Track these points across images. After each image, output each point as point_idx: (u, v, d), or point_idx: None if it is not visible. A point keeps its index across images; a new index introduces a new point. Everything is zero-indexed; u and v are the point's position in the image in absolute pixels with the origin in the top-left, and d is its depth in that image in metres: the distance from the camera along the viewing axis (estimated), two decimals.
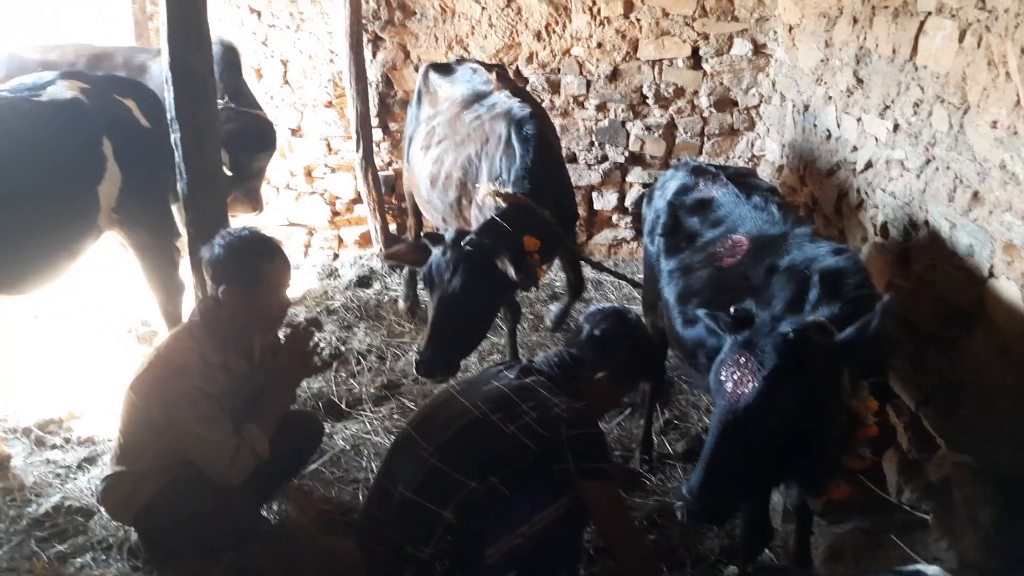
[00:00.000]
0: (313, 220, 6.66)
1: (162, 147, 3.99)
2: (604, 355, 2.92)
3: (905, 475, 3.40)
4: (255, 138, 5.12)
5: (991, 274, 2.91)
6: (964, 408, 3.09)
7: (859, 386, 2.43)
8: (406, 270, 5.83)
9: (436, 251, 3.81)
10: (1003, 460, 2.86)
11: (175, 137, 3.33)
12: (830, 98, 4.60)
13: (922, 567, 1.53)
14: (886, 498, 3.45)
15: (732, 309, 2.49)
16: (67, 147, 3.73)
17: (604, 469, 2.72)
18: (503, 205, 4.03)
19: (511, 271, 3.64)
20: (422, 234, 4.19)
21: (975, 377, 3.03)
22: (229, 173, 5.01)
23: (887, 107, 3.75)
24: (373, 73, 6.20)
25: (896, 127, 3.67)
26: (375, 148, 6.29)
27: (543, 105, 5.83)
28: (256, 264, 3.13)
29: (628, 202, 6.50)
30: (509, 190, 4.08)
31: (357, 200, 6.57)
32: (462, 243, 3.73)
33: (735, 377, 2.30)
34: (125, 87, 4.14)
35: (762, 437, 2.27)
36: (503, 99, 4.61)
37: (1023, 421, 2.77)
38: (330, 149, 6.52)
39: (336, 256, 6.69)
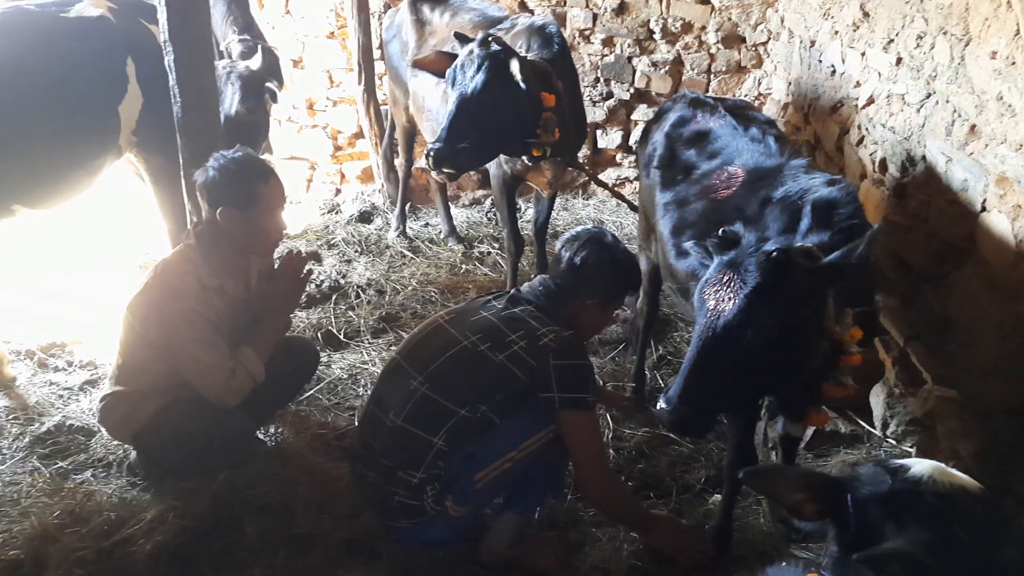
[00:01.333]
0: (315, 154, 6.64)
1: None
2: (588, 282, 2.92)
3: (891, 409, 3.44)
4: (278, 74, 5.11)
5: (983, 208, 2.90)
6: (951, 343, 3.11)
7: (843, 314, 2.45)
8: (399, 204, 5.85)
9: (463, 50, 3.90)
10: (986, 394, 2.89)
11: (168, 59, 3.31)
12: (836, 33, 4.53)
13: (912, 461, 1.54)
14: (871, 431, 3.51)
15: (720, 231, 2.50)
16: (91, 63, 3.76)
17: (586, 400, 2.75)
18: None
19: (519, 76, 3.76)
20: (454, 33, 4.28)
21: (963, 312, 3.05)
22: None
23: (891, 40, 3.69)
24: (375, 3, 6.09)
25: (899, 61, 3.62)
26: (377, 81, 6.22)
27: None
28: (252, 185, 3.13)
29: (633, 141, 6.44)
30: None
31: (359, 135, 6.52)
32: (489, 40, 3.84)
33: (717, 294, 2.32)
34: (150, 13, 4.13)
35: (741, 353, 2.30)
36: (523, 19, 4.62)
37: (1007, 356, 2.79)
38: (332, 82, 6.45)
39: (338, 191, 6.68)
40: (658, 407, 2.40)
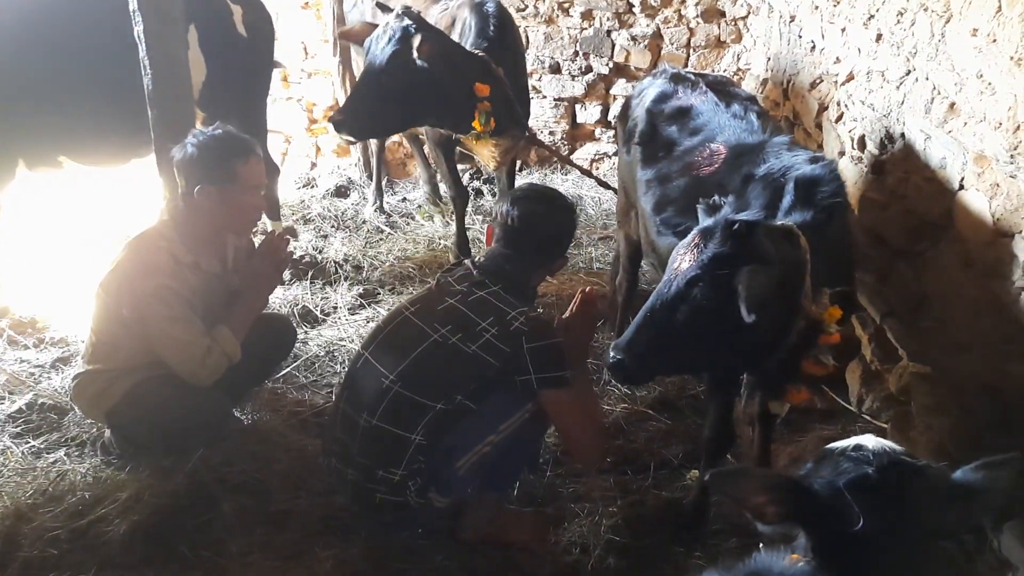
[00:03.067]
0: (289, 127, 6.54)
1: (258, 61, 4.23)
2: (557, 245, 2.96)
3: (867, 385, 3.48)
4: None
5: (961, 186, 2.91)
6: (926, 320, 3.14)
7: (820, 293, 2.46)
8: (375, 179, 5.79)
9: (385, 19, 3.95)
10: (960, 370, 2.92)
11: (138, 30, 3.22)
12: (816, 8, 4.51)
13: (859, 439, 1.55)
14: (847, 407, 3.54)
15: (712, 199, 2.53)
16: None
17: (564, 377, 2.74)
18: None
19: (416, 55, 3.80)
20: (377, 3, 4.33)
21: (938, 289, 3.07)
22: None
23: (872, 16, 3.68)
24: None
25: (879, 37, 3.61)
26: (353, 53, 6.11)
27: (527, 11, 5.75)
28: (231, 163, 3.09)
29: (612, 115, 6.41)
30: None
31: (335, 107, 6.41)
32: (405, 14, 3.88)
33: (683, 256, 2.39)
34: None
35: (688, 314, 2.36)
36: None
37: (981, 332, 2.81)
38: (306, 53, 6.35)
39: (314, 165, 6.60)
40: (608, 349, 2.52)
